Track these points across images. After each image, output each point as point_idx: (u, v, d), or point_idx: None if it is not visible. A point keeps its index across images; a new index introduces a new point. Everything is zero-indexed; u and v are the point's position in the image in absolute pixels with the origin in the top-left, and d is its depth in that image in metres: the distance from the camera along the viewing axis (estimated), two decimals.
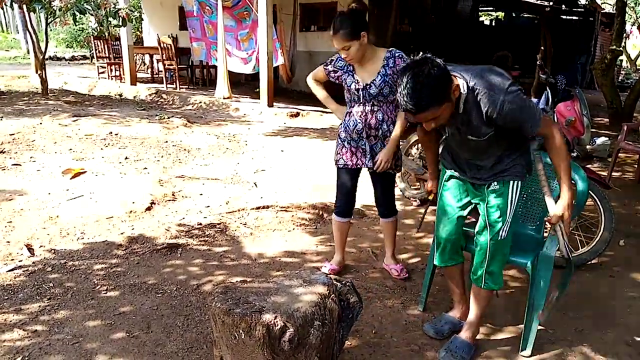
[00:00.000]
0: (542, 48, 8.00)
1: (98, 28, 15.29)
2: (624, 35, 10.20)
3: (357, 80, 2.83)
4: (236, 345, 1.85)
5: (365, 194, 3.51)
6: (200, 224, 3.86)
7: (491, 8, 17.49)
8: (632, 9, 18.71)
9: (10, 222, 3.73)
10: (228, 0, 9.42)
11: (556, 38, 12.37)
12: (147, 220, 3.90)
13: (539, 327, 2.42)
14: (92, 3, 9.02)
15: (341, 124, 3.00)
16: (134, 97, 10.69)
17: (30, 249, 3.36)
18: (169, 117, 7.88)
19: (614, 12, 10.22)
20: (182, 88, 10.91)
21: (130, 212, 4.00)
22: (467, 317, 2.51)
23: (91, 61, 16.35)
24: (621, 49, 8.88)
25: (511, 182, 2.22)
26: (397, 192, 4.70)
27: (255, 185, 4.86)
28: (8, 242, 3.43)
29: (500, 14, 17.95)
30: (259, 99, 9.18)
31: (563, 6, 14.85)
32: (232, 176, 5.11)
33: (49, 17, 9.27)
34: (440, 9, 12.07)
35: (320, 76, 3.03)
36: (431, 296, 2.83)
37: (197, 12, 10.41)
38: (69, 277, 3.04)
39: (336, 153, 3.05)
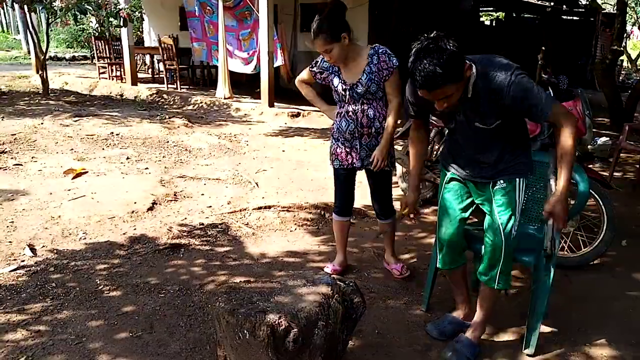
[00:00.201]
0: (543, 48, 7.98)
1: (99, 28, 15.29)
2: (625, 35, 10.20)
3: (344, 80, 2.82)
4: (240, 345, 1.85)
5: (366, 194, 3.51)
6: (202, 224, 3.86)
7: (492, 8, 17.49)
8: (632, 9, 18.71)
9: (13, 222, 3.73)
10: (229, 0, 9.42)
11: (556, 38, 12.38)
12: (149, 221, 3.90)
13: (542, 327, 2.42)
14: (92, 3, 9.03)
15: (333, 124, 2.99)
16: (135, 97, 10.69)
17: (32, 249, 3.36)
18: (170, 118, 7.88)
19: (615, 12, 10.23)
20: (183, 88, 10.91)
21: (132, 212, 4.00)
22: (470, 317, 2.51)
23: (92, 61, 16.35)
24: (622, 49, 8.87)
25: (517, 180, 2.21)
26: (399, 192, 4.72)
27: (257, 185, 4.86)
28: (10, 242, 3.43)
29: (501, 14, 17.95)
30: (259, 99, 9.18)
31: (564, 6, 14.86)
32: (234, 176, 5.11)
33: (49, 17, 9.28)
34: (440, 9, 12.06)
35: (307, 78, 3.03)
36: (434, 296, 2.83)
37: (198, 13, 10.40)
38: (71, 277, 3.04)
39: (331, 154, 3.04)
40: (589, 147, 3.73)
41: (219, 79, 9.89)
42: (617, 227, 3.29)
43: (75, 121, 7.20)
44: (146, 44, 14.83)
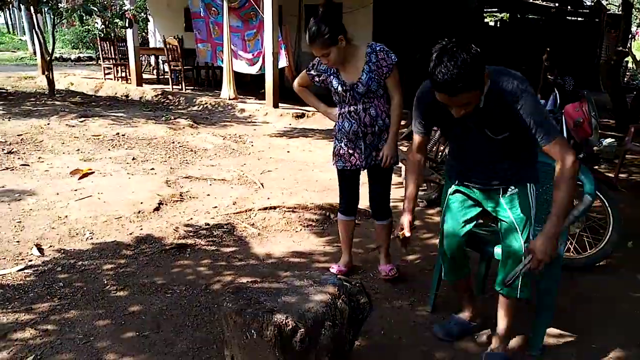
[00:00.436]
0: (548, 49, 7.97)
1: (104, 29, 15.35)
2: (630, 36, 10.17)
3: (343, 81, 2.80)
4: (248, 345, 1.87)
5: None
6: (208, 224, 3.87)
7: (496, 9, 17.46)
8: (638, 10, 18.64)
9: (20, 222, 3.75)
10: (234, 1, 9.45)
11: (561, 39, 12.35)
12: (155, 221, 3.92)
13: (548, 328, 2.42)
14: (98, 4, 9.09)
15: (335, 125, 2.98)
16: (140, 98, 10.73)
17: (39, 248, 3.38)
18: (175, 118, 7.92)
19: (620, 13, 10.20)
20: (188, 89, 10.95)
21: (139, 212, 4.02)
22: (476, 318, 2.52)
23: (97, 62, 16.42)
24: (627, 50, 8.84)
25: (528, 185, 2.18)
26: (402, 193, 4.73)
27: (262, 185, 4.88)
28: (18, 241, 3.46)
29: (505, 15, 17.92)
30: (264, 100, 9.21)
31: (568, 7, 14.83)
32: (239, 177, 5.13)
33: (55, 18, 9.33)
34: (445, 10, 12.06)
35: (305, 81, 3.02)
36: (439, 297, 2.83)
37: (203, 14, 10.43)
38: (78, 277, 3.06)
39: (334, 155, 3.02)
40: (594, 148, 3.72)
41: (223, 80, 9.91)
42: (623, 229, 3.28)
43: (81, 122, 7.24)
44: (151, 45, 14.90)
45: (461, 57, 1.79)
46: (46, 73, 9.81)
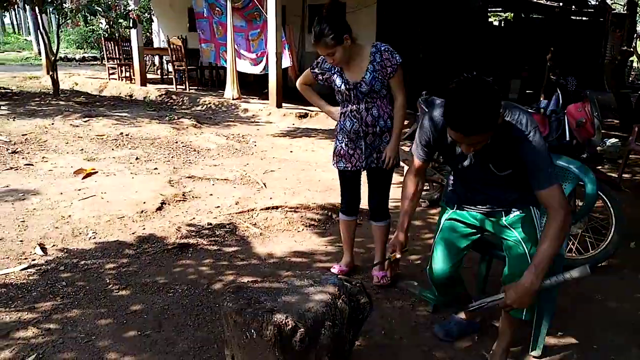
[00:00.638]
0: (552, 49, 7.96)
1: (108, 29, 15.40)
2: (635, 36, 10.12)
3: (346, 79, 2.80)
4: (247, 344, 1.87)
5: None
6: (210, 224, 3.88)
7: (500, 9, 17.42)
8: None
9: (24, 221, 3.77)
10: (238, 1, 9.47)
11: (566, 39, 12.30)
12: (158, 220, 3.93)
13: (549, 329, 2.42)
14: (102, 5, 9.11)
15: (337, 125, 2.98)
16: (144, 97, 10.76)
17: (43, 248, 3.40)
18: (178, 118, 7.93)
19: (625, 12, 10.15)
20: (192, 89, 10.97)
21: (141, 212, 4.04)
22: (476, 318, 2.52)
23: (101, 62, 16.49)
24: (632, 49, 8.81)
25: (532, 208, 2.15)
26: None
27: (265, 185, 4.89)
28: (21, 241, 3.48)
29: (510, 15, 17.87)
30: (267, 99, 9.22)
31: (573, 7, 14.76)
32: (242, 177, 5.14)
33: (60, 18, 9.37)
34: (449, 10, 12.04)
35: (309, 80, 3.02)
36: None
37: (206, 14, 10.46)
38: (81, 276, 3.08)
39: (334, 155, 3.02)
40: (598, 148, 3.71)
41: (227, 80, 9.94)
42: (625, 229, 3.27)
43: (85, 121, 7.27)
44: (155, 45, 14.96)
45: (482, 98, 1.74)
46: (51, 73, 9.85)
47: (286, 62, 9.28)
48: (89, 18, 9.29)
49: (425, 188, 4.55)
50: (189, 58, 10.88)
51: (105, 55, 12.70)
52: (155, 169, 5.26)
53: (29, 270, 3.12)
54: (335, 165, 3.03)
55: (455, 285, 2.39)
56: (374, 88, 2.76)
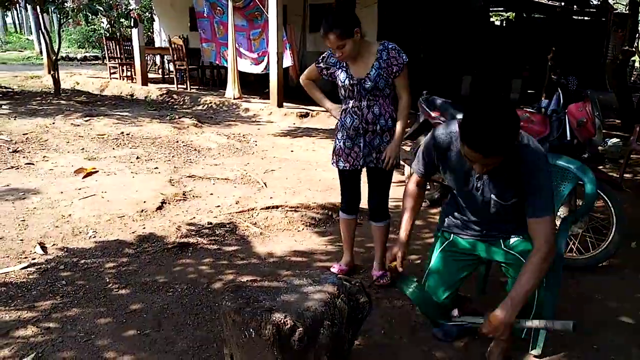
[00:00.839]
0: (554, 49, 7.94)
1: (110, 29, 15.42)
2: (637, 35, 10.10)
3: (351, 75, 2.79)
4: (246, 344, 1.87)
5: None
6: (211, 223, 3.88)
7: (501, 8, 17.40)
8: None
9: (24, 220, 3.78)
10: (239, 0, 9.46)
11: (567, 38, 12.28)
12: (158, 220, 3.93)
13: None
14: (104, 4, 9.12)
15: (337, 123, 2.97)
16: (145, 97, 10.77)
17: (43, 247, 3.40)
18: (179, 117, 7.94)
19: (627, 12, 10.13)
20: (193, 88, 10.97)
21: (142, 211, 4.04)
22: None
23: (103, 62, 16.50)
24: (633, 49, 8.79)
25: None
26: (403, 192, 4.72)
27: (265, 185, 4.89)
28: (21, 240, 3.48)
29: (511, 15, 17.85)
30: (268, 99, 9.22)
31: (574, 6, 14.74)
32: (242, 176, 5.14)
33: (61, 18, 9.38)
34: (450, 9, 12.03)
35: (313, 75, 3.01)
36: None
37: (207, 13, 10.46)
38: (80, 275, 3.08)
39: (333, 154, 3.00)
40: (599, 148, 3.70)
41: (228, 79, 9.94)
42: (626, 229, 3.26)
43: (86, 121, 7.27)
44: (156, 45, 14.97)
45: (503, 119, 1.74)
46: (52, 72, 9.86)
47: (287, 61, 9.27)
48: (90, 17, 9.30)
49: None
50: (190, 57, 10.88)
51: (106, 55, 12.70)
52: (156, 168, 5.26)
53: (29, 269, 3.12)
54: (334, 165, 3.03)
55: (446, 307, 2.31)
56: (378, 85, 2.75)
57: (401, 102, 2.84)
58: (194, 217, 4.00)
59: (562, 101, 3.69)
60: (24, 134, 6.27)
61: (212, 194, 4.56)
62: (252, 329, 1.82)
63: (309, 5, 11.17)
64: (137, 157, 5.62)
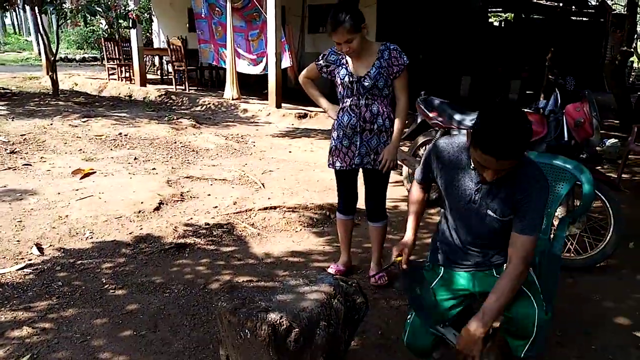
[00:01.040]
0: (552, 49, 7.94)
1: (108, 30, 15.41)
2: (635, 36, 10.13)
3: (351, 72, 2.79)
4: (242, 344, 1.86)
5: None
6: (208, 224, 3.87)
7: (500, 9, 17.42)
8: None
9: (21, 221, 3.76)
10: (237, 1, 9.46)
11: (566, 39, 12.29)
12: (155, 220, 3.92)
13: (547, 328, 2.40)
14: (102, 5, 9.11)
15: (334, 123, 2.96)
16: (144, 98, 10.76)
17: (39, 248, 3.39)
18: (177, 118, 7.93)
19: (625, 12, 10.14)
20: (191, 89, 10.97)
21: (139, 212, 4.03)
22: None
23: (101, 62, 16.49)
24: (632, 50, 8.80)
25: None
26: (405, 192, 4.72)
27: (263, 185, 4.88)
28: (18, 241, 3.47)
29: (510, 15, 17.87)
30: (267, 100, 9.22)
31: (573, 7, 14.75)
32: (240, 177, 5.13)
33: (60, 19, 9.37)
34: (449, 10, 12.04)
35: (313, 74, 3.00)
36: None
37: (205, 14, 10.44)
38: (77, 276, 3.07)
39: (330, 155, 2.99)
40: (597, 148, 3.70)
41: (227, 80, 9.93)
42: (624, 230, 3.26)
43: (84, 122, 7.26)
44: (155, 46, 14.95)
45: (517, 122, 1.74)
46: (50, 73, 9.85)
47: (286, 62, 9.27)
48: (88, 18, 9.29)
49: None
50: (188, 58, 10.88)
51: (105, 56, 12.70)
52: (154, 169, 5.25)
53: (25, 270, 3.11)
54: (331, 166, 3.01)
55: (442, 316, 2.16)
56: (377, 84, 2.75)
57: (399, 104, 2.83)
58: (192, 218, 3.99)
59: (559, 101, 3.69)
60: (21, 135, 6.25)
61: (209, 194, 4.55)
62: (248, 329, 1.81)
63: (307, 6, 11.16)
64: (135, 158, 5.61)
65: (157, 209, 4.12)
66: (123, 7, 9.83)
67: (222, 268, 3.24)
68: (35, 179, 4.74)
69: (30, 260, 3.24)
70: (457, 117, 4.14)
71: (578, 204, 2.95)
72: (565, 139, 3.57)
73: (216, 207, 4.24)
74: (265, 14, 8.92)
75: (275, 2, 8.49)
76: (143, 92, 11.08)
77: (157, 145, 6.27)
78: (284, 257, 3.43)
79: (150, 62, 14.62)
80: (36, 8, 9.00)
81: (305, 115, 8.61)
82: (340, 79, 2.82)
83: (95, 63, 18.90)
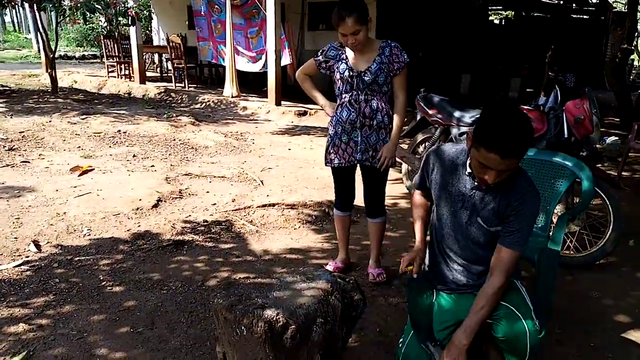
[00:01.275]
0: (553, 47, 7.92)
1: (108, 27, 15.39)
2: (636, 34, 10.10)
3: (351, 67, 2.77)
4: (238, 341, 1.85)
5: None
6: (206, 221, 3.86)
7: (500, 7, 17.39)
8: None
9: (18, 218, 3.75)
10: None
11: (566, 37, 12.26)
12: (154, 217, 3.91)
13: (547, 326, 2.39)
14: (102, 2, 9.09)
15: (331, 120, 2.93)
16: (143, 95, 10.74)
17: (37, 245, 3.38)
18: (177, 116, 7.91)
19: (625, 10, 10.11)
20: (191, 87, 10.95)
21: (137, 209, 4.02)
22: None
23: (101, 60, 16.47)
24: (632, 48, 8.78)
25: (514, 281, 1.99)
26: (403, 189, 4.71)
27: (262, 183, 4.86)
28: (16, 238, 3.45)
29: (510, 13, 17.84)
30: (266, 97, 9.20)
31: (573, 5, 14.72)
32: (239, 174, 5.11)
33: (59, 16, 9.35)
34: (449, 8, 12.02)
35: (310, 70, 2.97)
36: None
37: (204, 12, 10.42)
38: (74, 272, 3.06)
39: (327, 153, 2.96)
40: (597, 146, 3.67)
41: (226, 78, 9.91)
42: (624, 227, 3.24)
43: (83, 119, 7.25)
44: (155, 43, 14.91)
45: (521, 120, 1.74)
46: (49, 71, 9.83)
47: (285, 59, 9.24)
48: (88, 16, 9.26)
49: None
50: (188, 56, 10.85)
51: (104, 53, 12.67)
52: (152, 166, 5.24)
53: (22, 266, 3.09)
54: (329, 164, 2.96)
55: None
56: (378, 80, 2.73)
57: (398, 102, 2.82)
58: (190, 215, 3.97)
59: (559, 98, 3.67)
60: (20, 132, 6.24)
61: (208, 192, 4.54)
62: (244, 326, 1.80)
63: (307, 3, 11.14)
64: (134, 155, 5.59)
65: (155, 206, 4.11)
66: (122, 5, 9.82)
67: (220, 265, 3.23)
68: (33, 176, 4.72)
69: (27, 257, 3.23)
70: (457, 114, 4.13)
71: (577, 201, 2.94)
72: (565, 136, 3.55)
73: (215, 204, 4.22)
74: (265, 11, 8.89)
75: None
76: (142, 90, 11.06)
77: (156, 143, 6.26)
78: (282, 254, 3.41)
79: (149, 59, 14.60)
80: (35, 5, 8.98)
81: (304, 113, 8.59)
82: (340, 73, 2.80)
83: (95, 61, 18.88)
